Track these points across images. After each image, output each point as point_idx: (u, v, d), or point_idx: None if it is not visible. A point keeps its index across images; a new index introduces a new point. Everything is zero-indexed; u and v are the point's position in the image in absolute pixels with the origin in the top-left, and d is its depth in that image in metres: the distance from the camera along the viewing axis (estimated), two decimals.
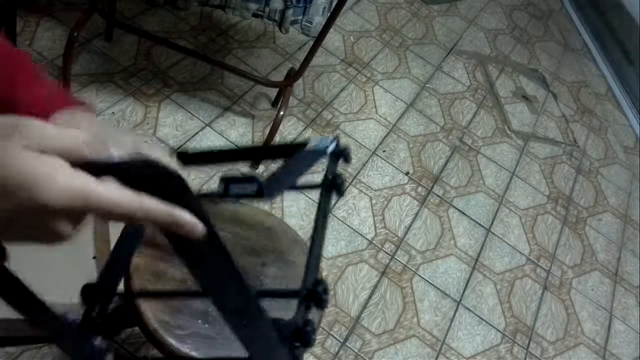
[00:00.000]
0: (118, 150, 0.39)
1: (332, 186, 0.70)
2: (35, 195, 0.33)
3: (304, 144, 0.66)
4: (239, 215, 0.90)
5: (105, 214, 0.35)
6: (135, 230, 0.64)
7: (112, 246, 1.25)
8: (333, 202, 1.76)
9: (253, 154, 0.70)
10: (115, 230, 1.26)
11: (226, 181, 0.49)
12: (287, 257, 0.89)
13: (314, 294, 0.53)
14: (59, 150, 0.34)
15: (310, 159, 0.66)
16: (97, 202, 0.34)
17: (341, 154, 0.69)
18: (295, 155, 0.63)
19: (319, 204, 0.68)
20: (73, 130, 0.36)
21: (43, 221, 0.35)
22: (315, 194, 1.77)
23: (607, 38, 3.16)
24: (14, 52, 0.53)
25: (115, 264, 0.61)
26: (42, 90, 0.50)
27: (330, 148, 0.68)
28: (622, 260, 2.17)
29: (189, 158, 0.59)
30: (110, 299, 0.58)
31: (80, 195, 0.34)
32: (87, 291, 0.57)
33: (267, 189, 0.49)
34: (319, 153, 0.67)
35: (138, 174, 0.36)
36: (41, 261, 1.23)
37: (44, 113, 0.47)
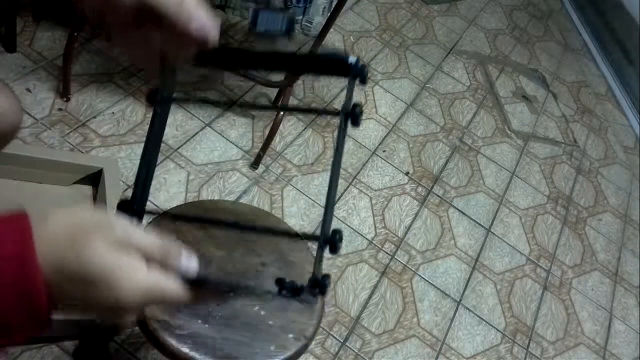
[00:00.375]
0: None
1: (351, 114, 0.65)
2: (115, 292, 0.37)
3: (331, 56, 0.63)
4: (239, 214, 0.90)
5: (172, 304, 0.42)
6: (156, 149, 0.69)
7: None
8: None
9: (279, 61, 0.65)
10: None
11: (255, 11, 0.51)
12: (287, 257, 0.89)
13: (331, 241, 0.60)
14: (137, 249, 0.38)
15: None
16: (169, 299, 0.40)
17: (360, 73, 0.63)
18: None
19: (338, 139, 0.65)
20: (150, 234, 0.40)
21: (116, 311, 0.39)
22: (311, 191, 1.77)
23: (607, 38, 3.16)
24: None
25: (144, 181, 0.67)
26: None
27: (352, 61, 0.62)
28: (622, 260, 2.17)
29: (213, 55, 0.59)
30: (142, 214, 0.65)
31: (156, 293, 0.39)
32: (123, 206, 0.64)
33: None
34: (342, 62, 0.62)
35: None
36: None
37: None
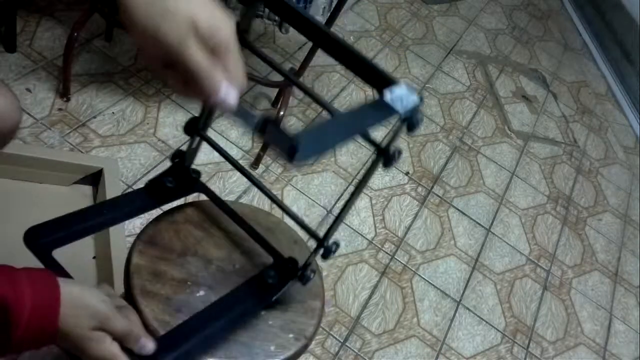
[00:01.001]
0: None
1: (386, 154, 0.62)
2: (88, 353, 0.58)
3: (389, 85, 0.57)
4: (238, 214, 0.90)
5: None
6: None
7: (111, 247, 1.25)
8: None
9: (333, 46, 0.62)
10: (114, 230, 1.26)
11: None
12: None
13: (327, 249, 0.73)
14: (111, 331, 0.60)
15: (372, 117, 0.56)
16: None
17: (410, 119, 0.59)
18: (353, 109, 0.56)
19: (368, 172, 0.65)
20: (125, 321, 0.63)
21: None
22: (315, 194, 1.77)
23: (607, 38, 3.16)
24: None
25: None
26: None
27: (406, 108, 0.57)
28: (622, 260, 2.17)
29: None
30: (205, 130, 0.78)
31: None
32: (190, 124, 0.78)
33: (301, 150, 0.44)
34: (389, 112, 0.57)
35: None
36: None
37: None
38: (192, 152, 0.82)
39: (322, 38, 0.64)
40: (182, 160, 0.85)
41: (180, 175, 0.86)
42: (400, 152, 0.63)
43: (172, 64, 0.46)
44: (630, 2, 3.04)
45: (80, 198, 1.40)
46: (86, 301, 0.58)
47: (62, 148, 1.53)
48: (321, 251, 0.74)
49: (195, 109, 1.80)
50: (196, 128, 0.76)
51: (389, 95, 0.57)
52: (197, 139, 0.81)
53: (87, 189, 1.43)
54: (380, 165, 0.63)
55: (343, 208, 0.70)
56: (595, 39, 3.23)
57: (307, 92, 0.75)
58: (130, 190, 1.54)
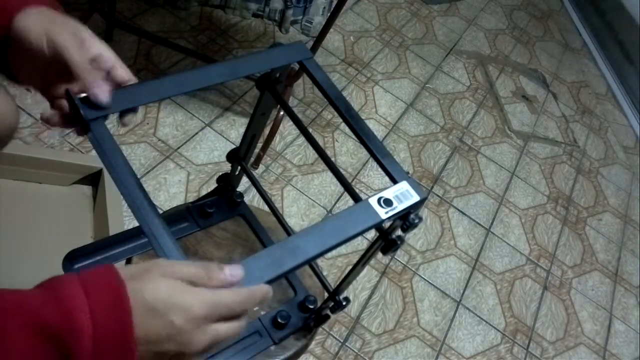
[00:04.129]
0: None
1: (386, 242, 0.64)
2: (177, 309, 0.43)
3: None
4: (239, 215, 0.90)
5: (228, 313, 0.46)
6: (267, 110, 0.78)
7: (110, 226, 1.25)
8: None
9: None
10: (112, 214, 1.26)
11: None
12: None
13: (339, 302, 0.78)
14: (186, 278, 0.45)
15: (357, 223, 0.57)
16: (224, 305, 0.46)
17: (407, 218, 0.59)
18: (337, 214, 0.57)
19: (366, 254, 0.68)
20: (193, 266, 0.47)
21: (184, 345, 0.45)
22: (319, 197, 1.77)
23: (607, 38, 3.16)
24: None
25: (249, 136, 0.81)
26: None
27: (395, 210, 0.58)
28: (622, 260, 2.17)
29: None
30: (247, 160, 0.85)
31: (210, 302, 0.45)
32: (232, 154, 0.85)
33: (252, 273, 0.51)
34: (373, 218, 0.57)
35: None
36: (41, 244, 1.23)
37: (25, 3, 0.53)
38: (236, 177, 0.88)
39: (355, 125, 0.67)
40: (226, 183, 0.88)
41: (223, 197, 0.90)
42: (402, 241, 0.63)
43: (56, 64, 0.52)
44: (630, 2, 3.04)
45: (80, 198, 1.40)
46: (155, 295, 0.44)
47: (62, 148, 1.53)
48: (331, 304, 0.78)
49: (195, 110, 1.80)
50: (237, 157, 0.84)
51: (375, 200, 0.59)
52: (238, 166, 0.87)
53: (87, 189, 1.42)
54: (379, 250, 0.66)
55: (349, 274, 0.74)
56: (595, 39, 3.22)
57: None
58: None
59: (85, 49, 0.54)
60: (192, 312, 0.43)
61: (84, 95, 0.54)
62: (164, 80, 0.61)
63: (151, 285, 0.43)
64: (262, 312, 0.79)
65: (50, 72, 0.54)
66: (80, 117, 0.54)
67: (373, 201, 0.58)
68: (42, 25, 0.51)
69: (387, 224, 0.60)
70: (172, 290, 0.44)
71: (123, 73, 0.58)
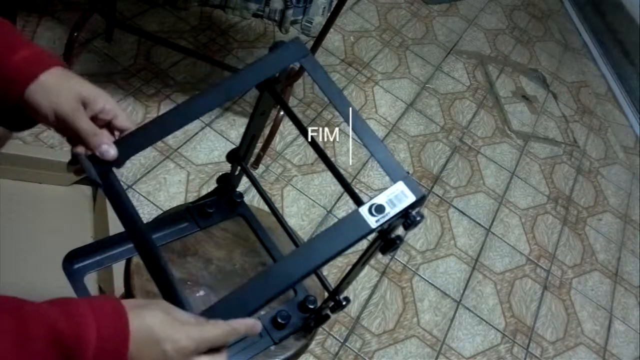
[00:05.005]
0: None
1: (385, 242, 0.63)
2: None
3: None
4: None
5: (212, 346, 0.53)
6: (267, 110, 0.79)
7: (110, 226, 1.25)
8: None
9: None
10: (112, 214, 1.26)
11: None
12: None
13: (338, 302, 0.77)
14: (179, 320, 0.53)
15: (347, 235, 0.57)
16: (207, 340, 0.53)
17: (408, 216, 0.59)
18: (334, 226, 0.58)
19: (365, 253, 0.69)
20: (187, 314, 0.54)
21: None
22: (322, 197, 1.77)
23: (607, 38, 3.16)
24: None
25: (248, 137, 0.81)
26: (25, 52, 0.58)
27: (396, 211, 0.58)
28: (622, 260, 2.17)
29: None
30: (247, 160, 0.86)
31: (196, 337, 0.52)
32: (231, 154, 0.85)
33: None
34: (364, 228, 0.58)
35: None
36: (41, 244, 1.23)
37: (32, 74, 0.58)
38: (236, 177, 0.88)
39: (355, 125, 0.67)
40: (226, 183, 0.88)
41: (223, 197, 0.90)
42: (401, 240, 0.63)
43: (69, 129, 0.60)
44: (630, 2, 3.04)
45: (79, 198, 1.40)
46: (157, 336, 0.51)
47: (62, 148, 1.53)
48: (331, 304, 0.78)
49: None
50: (237, 157, 0.84)
51: (366, 208, 0.59)
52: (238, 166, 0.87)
53: (87, 189, 1.42)
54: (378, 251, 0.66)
55: (348, 274, 0.74)
56: (595, 39, 3.22)
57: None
58: (129, 189, 1.54)
59: (90, 109, 0.61)
60: (180, 344, 0.50)
61: (90, 153, 0.61)
62: (164, 118, 0.64)
63: (152, 314, 0.51)
64: (262, 312, 0.79)
65: (63, 132, 0.62)
66: (90, 176, 0.61)
67: (364, 210, 0.58)
68: (49, 100, 0.58)
69: (386, 225, 0.60)
70: (167, 324, 0.51)
71: (123, 122, 0.64)
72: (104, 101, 0.63)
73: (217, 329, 0.54)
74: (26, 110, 0.59)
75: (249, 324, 0.56)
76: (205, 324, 0.54)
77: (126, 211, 0.60)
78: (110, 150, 0.61)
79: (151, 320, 0.50)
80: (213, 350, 0.54)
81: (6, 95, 0.57)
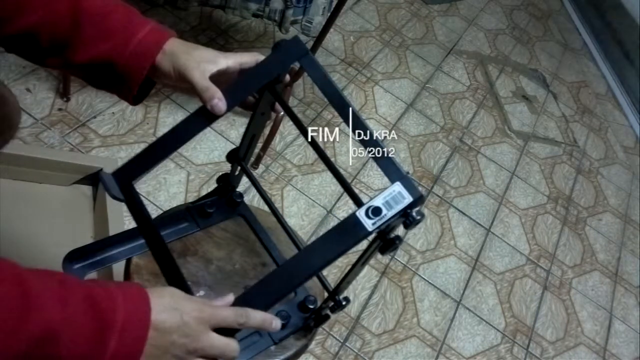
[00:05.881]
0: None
1: (384, 242, 0.63)
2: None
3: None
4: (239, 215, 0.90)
5: (223, 324, 0.59)
6: (267, 110, 0.82)
7: (110, 226, 1.25)
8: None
9: None
10: (112, 214, 1.26)
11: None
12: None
13: (339, 302, 0.76)
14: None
15: (341, 241, 0.58)
16: (220, 315, 0.59)
17: (408, 216, 0.59)
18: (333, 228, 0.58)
19: (365, 254, 0.69)
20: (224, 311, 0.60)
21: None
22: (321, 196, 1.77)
23: (607, 38, 3.16)
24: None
25: (248, 136, 0.82)
26: (147, 28, 0.70)
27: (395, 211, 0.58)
28: (622, 260, 2.17)
29: None
30: (247, 160, 0.86)
31: (210, 311, 0.58)
32: (231, 154, 0.85)
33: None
34: (360, 230, 0.58)
35: None
36: (41, 244, 1.23)
37: (157, 46, 0.68)
38: (236, 177, 0.89)
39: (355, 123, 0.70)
40: (226, 183, 0.88)
41: (223, 197, 0.90)
42: (400, 240, 0.63)
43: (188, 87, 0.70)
44: (630, 2, 3.04)
45: (79, 198, 1.40)
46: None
47: (62, 148, 1.53)
48: (331, 304, 0.77)
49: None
50: (237, 157, 0.85)
51: (363, 211, 0.59)
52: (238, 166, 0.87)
53: (87, 189, 1.42)
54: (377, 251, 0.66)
55: (348, 273, 0.74)
56: (595, 39, 3.22)
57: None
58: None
59: (206, 69, 0.69)
60: (195, 313, 0.57)
61: (112, 172, 0.67)
62: (175, 132, 0.72)
63: (170, 290, 0.59)
64: None
65: (185, 90, 0.71)
66: (111, 191, 0.66)
67: (361, 213, 0.59)
68: (172, 64, 0.68)
69: (384, 226, 0.60)
70: (182, 297, 0.58)
71: (247, 59, 0.72)
72: (224, 61, 0.70)
73: (230, 310, 0.59)
74: (152, 76, 0.70)
75: (267, 318, 0.61)
76: (216, 303, 0.61)
77: (147, 224, 0.63)
78: (219, 104, 0.70)
79: (169, 292, 0.58)
80: (226, 332, 0.59)
81: (139, 66, 0.67)
